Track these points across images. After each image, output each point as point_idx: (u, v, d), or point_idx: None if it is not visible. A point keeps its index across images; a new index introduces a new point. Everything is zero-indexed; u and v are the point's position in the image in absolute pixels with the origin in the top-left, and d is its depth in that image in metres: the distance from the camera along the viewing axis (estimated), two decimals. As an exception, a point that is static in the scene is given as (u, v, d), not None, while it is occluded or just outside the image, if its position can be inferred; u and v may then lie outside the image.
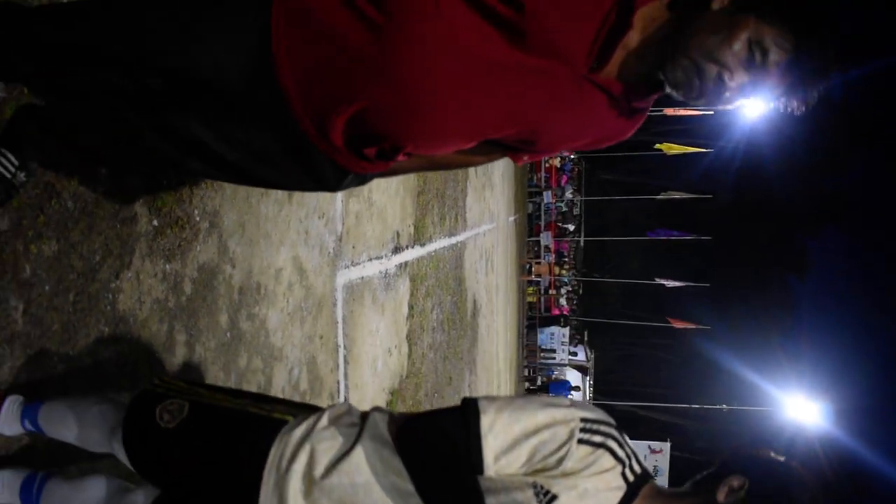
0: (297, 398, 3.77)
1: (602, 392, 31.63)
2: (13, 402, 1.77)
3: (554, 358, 24.72)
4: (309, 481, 1.40)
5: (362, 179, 1.58)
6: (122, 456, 1.54)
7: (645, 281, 27.35)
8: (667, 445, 24.73)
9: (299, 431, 1.46)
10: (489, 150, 1.55)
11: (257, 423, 1.49)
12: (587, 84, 1.35)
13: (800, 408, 24.06)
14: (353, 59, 1.30)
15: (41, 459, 1.94)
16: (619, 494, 1.36)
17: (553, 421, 1.34)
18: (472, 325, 10.79)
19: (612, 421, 1.42)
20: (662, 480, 26.48)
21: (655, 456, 24.51)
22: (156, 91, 1.50)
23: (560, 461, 1.32)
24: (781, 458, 1.42)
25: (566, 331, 25.26)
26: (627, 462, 1.38)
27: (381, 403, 5.54)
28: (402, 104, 1.32)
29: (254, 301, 3.28)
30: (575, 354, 26.16)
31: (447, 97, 1.32)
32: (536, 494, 1.31)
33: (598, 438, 1.35)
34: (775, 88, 1.32)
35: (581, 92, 1.36)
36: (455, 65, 1.29)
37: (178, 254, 2.59)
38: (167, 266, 2.52)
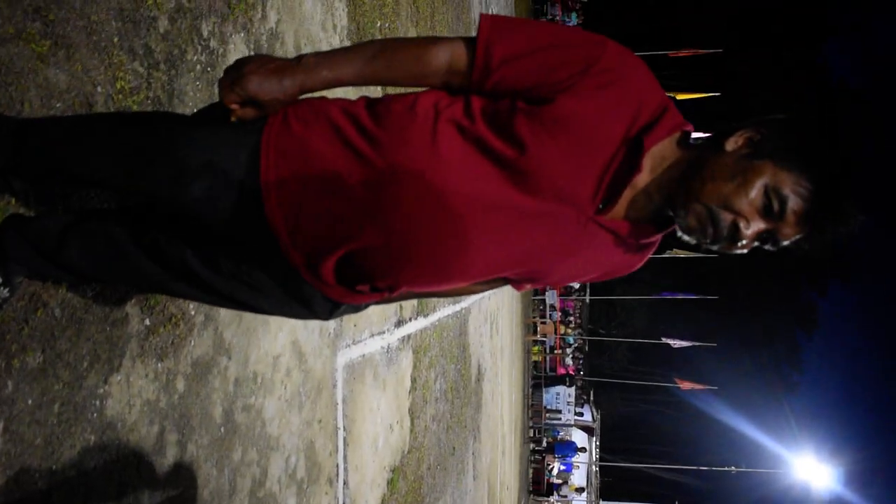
0: (293, 488, 3.64)
1: (609, 451, 31.01)
2: None
3: (559, 418, 24.33)
4: None
5: (356, 308, 1.52)
6: None
7: (651, 340, 27.07)
8: (675, 511, 24.11)
9: None
10: (491, 280, 1.49)
11: None
12: (593, 226, 1.29)
13: (809, 469, 23.52)
14: (346, 200, 1.24)
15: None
16: None
17: None
18: (476, 391, 10.60)
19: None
20: (670, 544, 25.67)
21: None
22: (145, 212, 1.45)
23: None
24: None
25: (572, 390, 24.92)
26: None
27: (383, 483, 5.37)
28: (395, 248, 1.26)
29: (250, 391, 3.18)
30: (581, 415, 25.72)
31: (441, 242, 1.26)
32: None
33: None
34: (794, 236, 1.24)
35: (586, 234, 1.29)
36: (451, 208, 1.23)
37: (172, 351, 2.52)
38: (159, 365, 2.44)
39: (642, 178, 1.28)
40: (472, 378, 9.98)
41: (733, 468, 25.92)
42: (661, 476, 31.93)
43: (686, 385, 23.73)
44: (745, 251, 1.27)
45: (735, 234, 1.24)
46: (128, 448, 2.26)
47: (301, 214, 1.26)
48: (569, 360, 28.54)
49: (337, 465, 4.38)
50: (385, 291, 1.39)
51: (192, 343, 2.64)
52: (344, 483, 4.47)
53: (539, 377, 25.38)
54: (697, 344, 24.82)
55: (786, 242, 1.25)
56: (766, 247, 1.27)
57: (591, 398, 27.79)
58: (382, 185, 1.22)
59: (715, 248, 1.27)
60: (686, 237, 1.28)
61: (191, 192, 1.28)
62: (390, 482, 5.62)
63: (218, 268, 1.38)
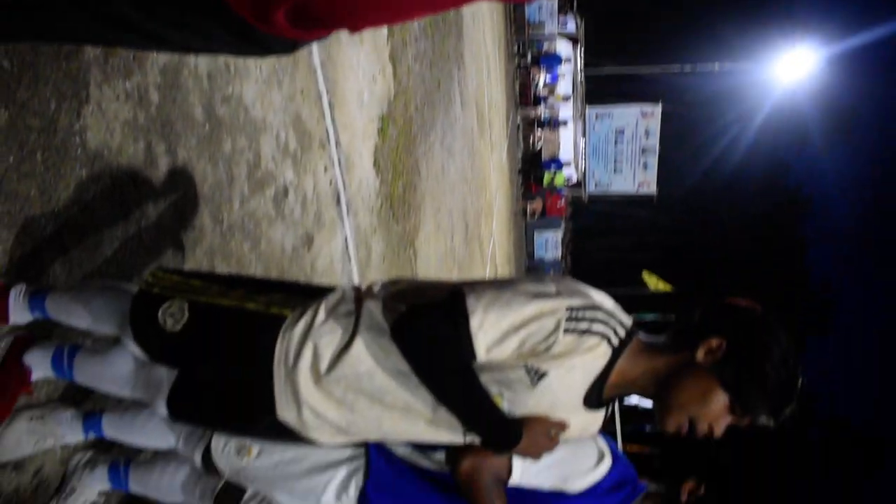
0: (288, 161, 3.80)
1: (594, 61, 31.03)
2: (18, 293, 1.81)
3: (543, 32, 23.93)
4: (316, 373, 1.52)
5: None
6: (137, 352, 1.63)
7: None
8: (658, 108, 25.09)
9: (299, 328, 1.54)
10: None
11: (257, 321, 1.56)
12: None
13: (792, 63, 23.75)
14: None
15: (59, 333, 2.05)
16: (605, 360, 1.47)
17: (540, 313, 1.41)
18: (455, 20, 10.30)
19: (596, 303, 1.48)
20: (653, 143, 27.10)
21: (647, 120, 25.02)
22: None
23: (548, 348, 1.42)
24: (758, 309, 1.50)
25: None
26: (612, 332, 1.47)
27: (373, 133, 5.55)
28: None
29: (225, 82, 3.13)
30: (565, 25, 25.24)
31: None
32: (527, 372, 1.44)
33: (583, 325, 1.43)
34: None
35: None
36: None
37: (136, 66, 2.43)
38: (127, 84, 2.37)
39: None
40: (451, 7, 9.59)
41: (716, 65, 26.30)
42: (645, 77, 32.42)
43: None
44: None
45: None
46: (120, 171, 2.33)
47: None
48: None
49: (326, 130, 4.49)
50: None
51: (154, 51, 2.53)
52: (336, 143, 4.63)
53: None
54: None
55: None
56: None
57: (574, 6, 26.91)
58: None
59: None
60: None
61: None
62: (380, 131, 5.80)
63: (157, 14, 1.28)
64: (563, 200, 27.77)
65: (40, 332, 1.97)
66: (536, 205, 27.00)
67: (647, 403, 1.56)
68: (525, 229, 26.63)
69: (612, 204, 33.74)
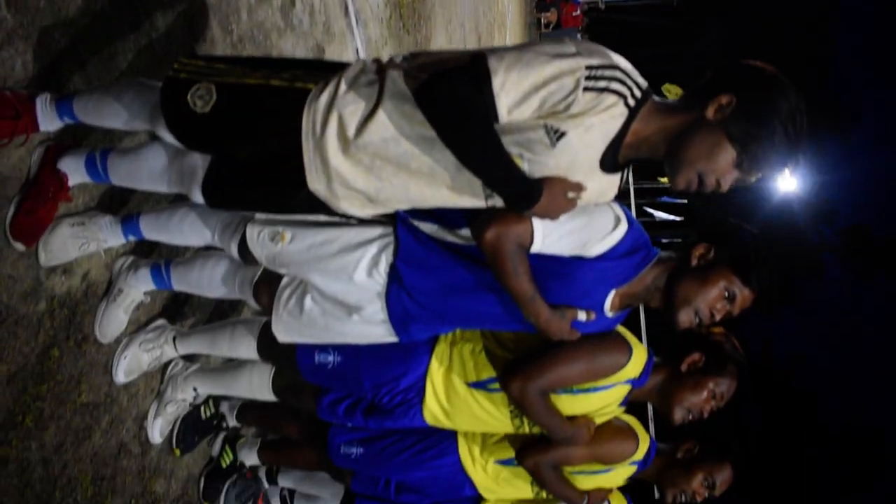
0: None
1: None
2: (43, 101, 1.84)
3: None
4: (344, 141, 1.58)
5: None
6: (170, 138, 1.70)
7: None
8: None
9: (324, 99, 1.58)
10: None
11: (283, 95, 1.60)
12: None
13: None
14: None
15: (90, 139, 2.11)
16: (622, 120, 1.53)
17: (560, 73, 1.45)
18: None
19: (614, 62, 1.51)
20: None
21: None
22: None
23: (567, 107, 1.47)
24: (769, 68, 1.53)
25: None
26: (629, 92, 1.52)
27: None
28: None
29: None
30: None
31: None
32: (547, 132, 1.50)
33: (602, 84, 1.47)
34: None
35: None
36: None
37: None
38: None
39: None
40: None
41: None
42: None
43: None
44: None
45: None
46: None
47: None
48: None
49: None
50: None
51: None
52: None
53: None
54: None
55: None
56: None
57: None
58: None
59: None
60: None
61: None
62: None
63: None
64: (578, 10, 26.47)
65: (71, 141, 2.03)
66: (551, 15, 25.76)
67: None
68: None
69: (630, 12, 32.14)
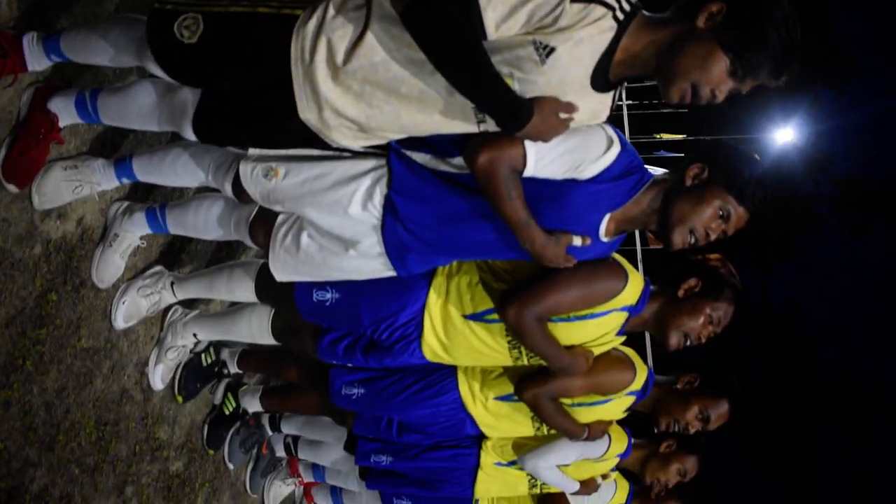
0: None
1: None
2: (30, 41, 1.81)
3: None
4: (333, 67, 1.56)
5: None
6: (158, 71, 1.67)
7: None
8: None
9: (312, 24, 1.55)
10: None
11: (271, 22, 1.58)
12: None
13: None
14: None
15: (80, 80, 2.08)
16: (611, 34, 1.51)
17: None
18: None
19: None
20: None
21: None
22: None
23: (556, 20, 1.45)
24: None
25: None
26: (618, 4, 1.50)
27: None
28: None
29: None
30: None
31: None
32: (536, 49, 1.48)
33: None
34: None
35: None
36: None
37: None
38: None
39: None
40: None
41: None
42: None
43: None
44: None
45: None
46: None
47: None
48: None
49: None
50: None
51: None
52: None
53: None
54: None
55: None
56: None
57: None
58: None
59: None
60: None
61: None
62: None
63: None
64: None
65: (61, 82, 2.01)
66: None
67: None
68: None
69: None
